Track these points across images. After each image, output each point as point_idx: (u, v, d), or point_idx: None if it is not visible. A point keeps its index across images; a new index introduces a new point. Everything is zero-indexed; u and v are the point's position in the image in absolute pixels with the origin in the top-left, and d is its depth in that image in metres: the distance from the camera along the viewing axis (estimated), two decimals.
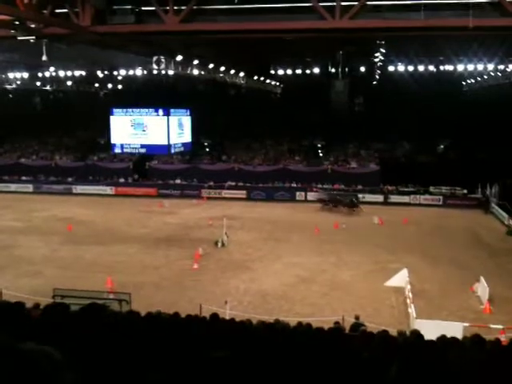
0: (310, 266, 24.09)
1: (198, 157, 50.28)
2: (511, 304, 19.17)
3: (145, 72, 35.48)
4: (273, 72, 39.09)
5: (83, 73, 37.97)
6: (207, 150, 52.32)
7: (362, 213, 37.29)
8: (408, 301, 18.42)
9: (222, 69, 34.12)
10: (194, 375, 4.90)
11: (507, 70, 34.65)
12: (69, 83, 44.12)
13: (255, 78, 41.73)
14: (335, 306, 18.57)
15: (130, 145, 36.71)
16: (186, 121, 39.06)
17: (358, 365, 4.18)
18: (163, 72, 29.41)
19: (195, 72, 30.83)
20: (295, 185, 45.32)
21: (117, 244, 28.19)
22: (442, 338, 6.52)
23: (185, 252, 26.32)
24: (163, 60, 24.38)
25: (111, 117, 37.41)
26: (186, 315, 8.47)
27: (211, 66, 32.38)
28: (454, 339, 6.47)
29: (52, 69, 35.58)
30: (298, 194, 44.38)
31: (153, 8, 14.67)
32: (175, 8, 14.52)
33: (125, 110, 37.12)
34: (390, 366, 3.16)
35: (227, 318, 11.62)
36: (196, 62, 29.91)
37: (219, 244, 27.61)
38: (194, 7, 14.48)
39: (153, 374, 4.54)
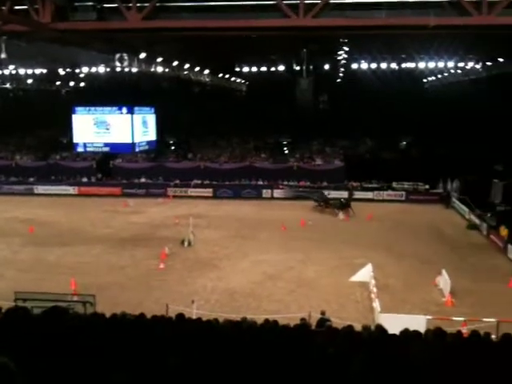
0: (277, 263, 24.20)
1: (164, 155, 49.83)
2: (472, 296, 19.71)
3: (107, 69, 34.95)
4: (238, 70, 39.07)
5: (44, 71, 37.12)
6: (172, 148, 51.90)
7: (351, 213, 35.98)
8: (372, 295, 18.72)
9: (187, 66, 33.93)
10: (158, 376, 4.87)
11: (466, 67, 35.59)
12: (29, 81, 43.07)
13: (220, 75, 41.65)
14: (302, 303, 18.73)
15: (93, 143, 35.98)
16: (151, 119, 38.54)
17: (323, 361, 4.24)
18: (126, 69, 29.01)
19: (159, 69, 30.55)
20: (261, 182, 45.41)
21: (81, 245, 27.71)
22: (405, 331, 6.66)
23: (151, 252, 26.07)
24: (126, 57, 24.07)
25: (73, 115, 36.56)
26: (152, 316, 8.40)
27: (175, 63, 32.14)
28: (416, 333, 6.61)
29: (12, 67, 34.67)
30: (264, 191, 44.47)
31: (115, 5, 14.47)
32: (138, 5, 14.37)
33: (87, 108, 36.34)
34: (353, 362, 3.21)
35: (194, 317, 11.58)
36: (160, 59, 29.65)
37: (186, 243, 27.45)
38: (157, 4, 14.36)
39: (117, 375, 4.49)
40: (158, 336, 6.23)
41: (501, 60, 30.32)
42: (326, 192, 41.99)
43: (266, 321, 8.96)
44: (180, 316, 8.23)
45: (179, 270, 23.37)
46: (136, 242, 28.65)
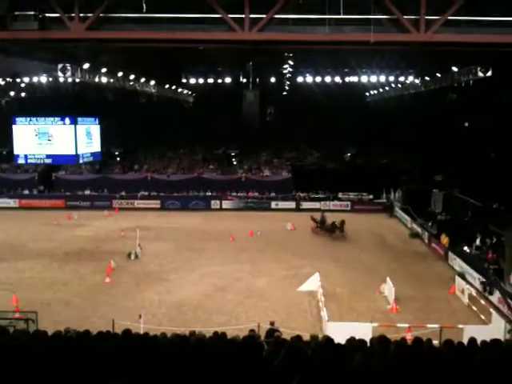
0: (226, 275, 24.14)
1: (109, 166, 48.91)
2: (416, 303, 20.31)
3: (50, 79, 34.06)
4: (185, 81, 38.95)
5: None
6: (118, 159, 51.02)
7: (339, 235, 32.81)
8: (320, 304, 18.96)
9: (132, 77, 33.56)
10: None
11: (407, 81, 36.90)
12: None
13: (166, 86, 41.38)
14: (251, 314, 18.74)
15: (34, 155, 34.96)
16: (95, 129, 37.87)
17: (269, 373, 4.26)
18: (70, 80, 28.39)
19: (103, 80, 30.06)
20: (210, 193, 45.28)
21: (22, 260, 26.70)
22: (351, 340, 6.80)
23: (96, 266, 25.42)
24: (69, 67, 23.57)
25: (14, 126, 35.48)
26: (98, 332, 8.18)
27: (120, 74, 31.74)
28: (361, 341, 6.76)
29: None
30: (212, 202, 44.38)
31: (58, 15, 14.16)
32: (81, 15, 14.11)
33: (28, 118, 35.34)
34: (297, 374, 3.25)
35: (141, 332, 11.36)
36: (104, 69, 29.21)
37: (132, 256, 26.96)
38: (101, 15, 14.15)
39: None
40: (103, 353, 6.09)
41: (438, 75, 31.58)
42: (274, 202, 42.38)
43: (215, 333, 8.91)
44: (127, 331, 8.06)
45: (126, 284, 22.90)
46: (80, 255, 27.91)
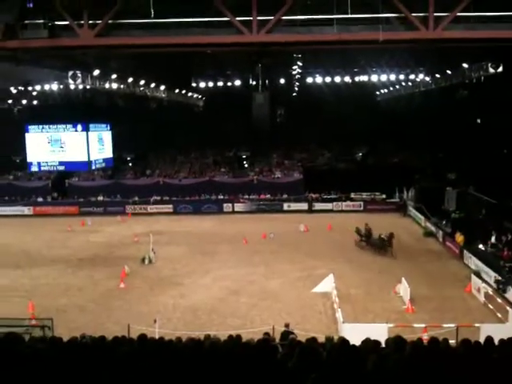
0: (239, 278, 24.13)
1: (121, 172, 49.19)
2: (432, 302, 20.15)
3: (61, 87, 34.37)
4: (194, 85, 39.07)
5: None
6: (130, 164, 51.30)
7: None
8: (335, 306, 18.88)
9: (142, 82, 33.75)
10: None
11: (417, 79, 36.66)
12: None
13: (176, 91, 41.55)
14: (265, 316, 18.72)
15: (47, 162, 35.24)
16: (107, 136, 38.06)
17: (283, 375, 4.23)
18: (81, 86, 28.62)
19: (114, 86, 30.27)
20: (222, 196, 45.33)
21: (37, 266, 26.91)
22: (366, 341, 6.74)
23: (110, 271, 25.54)
24: (79, 74, 23.75)
25: (26, 134, 35.79)
26: (113, 337, 8.20)
27: (130, 79, 31.94)
28: (376, 343, 6.70)
29: None
30: (225, 205, 44.40)
31: (67, 22, 14.29)
32: (90, 22, 14.23)
33: (41, 126, 35.63)
34: (312, 375, 3.23)
35: (157, 337, 11.39)
36: (114, 76, 29.41)
37: (146, 261, 27.05)
38: (110, 21, 14.25)
39: None
40: (119, 358, 6.10)
41: (449, 72, 31.34)
42: (286, 204, 42.42)
43: (230, 337, 8.89)
44: (142, 336, 8.07)
45: (140, 289, 22.98)
46: (94, 261, 28.06)
